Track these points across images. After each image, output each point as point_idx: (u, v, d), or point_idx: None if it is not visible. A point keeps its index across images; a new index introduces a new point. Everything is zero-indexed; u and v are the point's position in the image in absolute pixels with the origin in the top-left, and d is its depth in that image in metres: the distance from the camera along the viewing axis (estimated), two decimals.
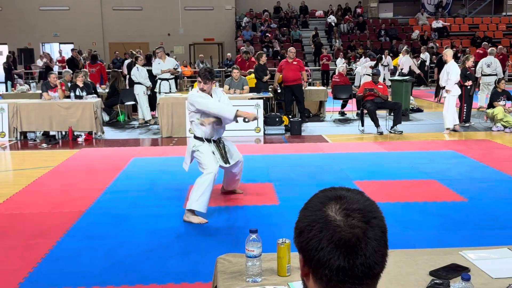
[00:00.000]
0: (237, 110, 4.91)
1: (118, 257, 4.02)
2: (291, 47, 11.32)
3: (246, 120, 5.16)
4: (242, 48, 16.85)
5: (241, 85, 10.48)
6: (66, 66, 16.30)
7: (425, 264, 2.16)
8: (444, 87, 9.90)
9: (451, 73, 9.36)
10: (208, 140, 5.02)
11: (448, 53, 9.68)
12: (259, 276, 2.07)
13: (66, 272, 3.75)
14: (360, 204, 1.05)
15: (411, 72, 14.88)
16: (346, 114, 12.22)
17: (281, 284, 2.04)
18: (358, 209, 1.03)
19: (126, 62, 13.66)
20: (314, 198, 1.09)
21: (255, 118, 5.16)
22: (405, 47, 16.45)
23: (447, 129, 9.61)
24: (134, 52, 13.72)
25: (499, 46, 14.94)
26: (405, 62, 15.20)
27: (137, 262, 3.91)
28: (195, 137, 5.06)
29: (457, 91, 9.55)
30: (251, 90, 10.67)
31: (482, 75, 12.39)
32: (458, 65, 9.81)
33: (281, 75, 10.88)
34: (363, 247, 1.00)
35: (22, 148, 8.98)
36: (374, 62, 13.87)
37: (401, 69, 15.38)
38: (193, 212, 4.82)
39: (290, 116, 10.58)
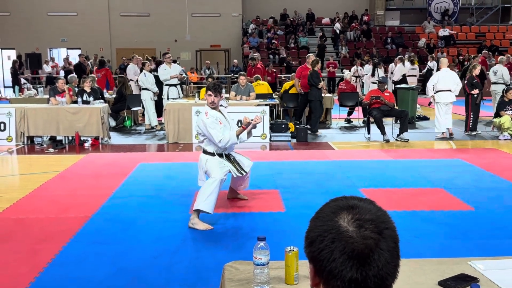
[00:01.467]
0: (236, 131, 5.00)
1: (124, 263, 4.02)
2: (310, 54, 11.21)
3: (250, 128, 5.18)
4: (254, 54, 16.46)
5: (247, 91, 10.50)
6: (73, 71, 16.37)
7: (434, 274, 2.15)
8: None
9: (430, 80, 10.13)
10: (220, 155, 5.09)
11: (442, 61, 10.33)
12: (267, 284, 2.07)
13: (72, 277, 3.76)
14: (373, 214, 1.04)
15: (404, 80, 14.69)
16: (352, 122, 12.21)
17: None
18: (371, 219, 1.02)
19: (129, 67, 13.69)
20: (325, 208, 1.08)
21: (248, 123, 5.04)
22: (399, 56, 16.40)
23: (443, 133, 10.03)
24: (149, 58, 13.81)
25: (507, 55, 14.88)
26: (397, 70, 15.11)
27: (143, 268, 3.91)
28: (206, 152, 5.12)
29: (442, 97, 9.92)
30: (258, 96, 10.68)
31: (494, 83, 12.35)
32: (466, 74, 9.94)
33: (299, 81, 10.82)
34: (376, 259, 0.99)
35: (29, 152, 9.01)
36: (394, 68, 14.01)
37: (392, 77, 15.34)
38: (198, 215, 4.83)
39: (297, 123, 10.57)
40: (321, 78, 10.54)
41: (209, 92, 5.08)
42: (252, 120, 5.05)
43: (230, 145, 5.07)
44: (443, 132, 10.00)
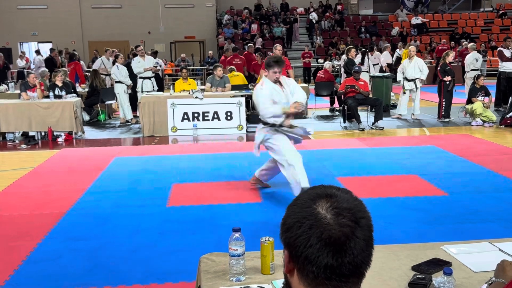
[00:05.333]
0: (283, 108, 4.93)
1: (100, 258, 3.98)
2: (277, 44, 11.08)
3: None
4: (249, 44, 16.16)
5: (223, 83, 10.44)
6: (44, 65, 16.07)
7: (407, 259, 2.18)
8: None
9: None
10: (273, 126, 5.09)
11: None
12: (243, 275, 2.07)
13: (48, 274, 3.71)
14: (350, 203, 1.05)
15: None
16: (336, 110, 12.00)
17: (265, 282, 2.04)
18: (348, 208, 1.04)
19: (98, 60, 13.50)
20: (303, 195, 1.09)
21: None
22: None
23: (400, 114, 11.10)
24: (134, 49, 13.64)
25: (470, 43, 14.99)
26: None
27: (120, 263, 3.88)
28: (266, 124, 5.09)
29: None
30: (234, 88, 10.63)
31: (472, 70, 12.28)
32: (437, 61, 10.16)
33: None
34: (352, 246, 1.01)
35: (0, 149, 8.84)
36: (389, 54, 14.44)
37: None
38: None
39: None
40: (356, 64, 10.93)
41: (275, 69, 4.95)
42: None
43: (273, 117, 4.96)
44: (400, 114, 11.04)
